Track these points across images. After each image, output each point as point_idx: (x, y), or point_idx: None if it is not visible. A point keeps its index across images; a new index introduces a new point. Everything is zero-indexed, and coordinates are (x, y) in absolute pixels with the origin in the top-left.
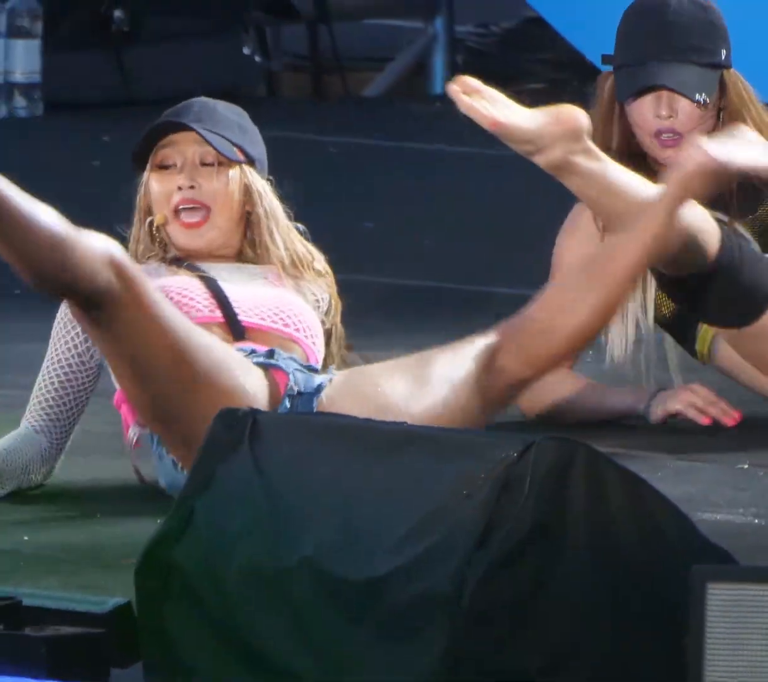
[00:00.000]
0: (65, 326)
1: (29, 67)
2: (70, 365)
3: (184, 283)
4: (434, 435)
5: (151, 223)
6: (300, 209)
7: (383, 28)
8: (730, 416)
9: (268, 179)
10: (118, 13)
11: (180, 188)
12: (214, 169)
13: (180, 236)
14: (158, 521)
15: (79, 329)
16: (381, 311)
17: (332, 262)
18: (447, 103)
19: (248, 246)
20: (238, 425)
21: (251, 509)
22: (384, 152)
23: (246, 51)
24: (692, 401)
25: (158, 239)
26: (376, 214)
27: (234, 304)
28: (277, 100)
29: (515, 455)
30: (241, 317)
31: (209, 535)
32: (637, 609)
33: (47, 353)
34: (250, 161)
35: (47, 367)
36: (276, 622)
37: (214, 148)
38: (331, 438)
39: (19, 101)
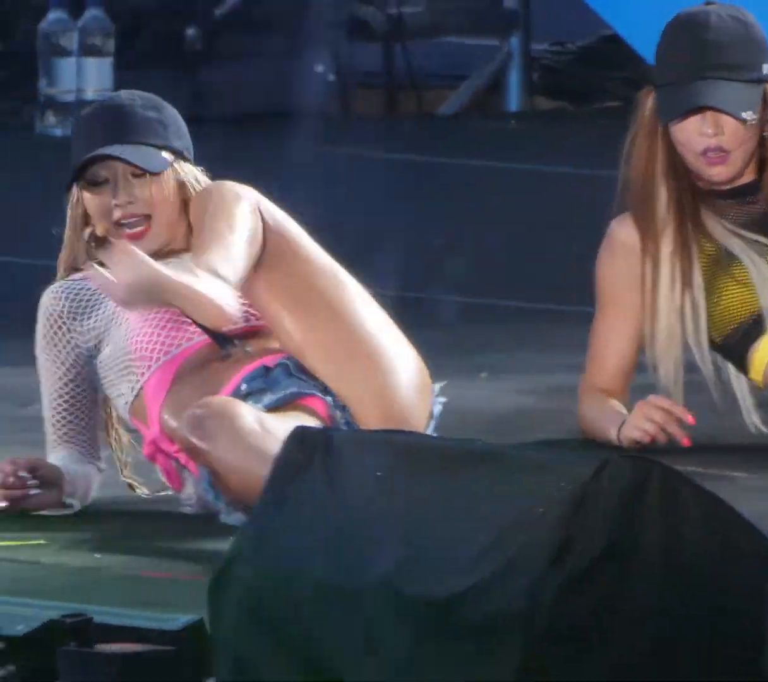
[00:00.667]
0: (46, 359)
1: (101, 84)
2: (68, 393)
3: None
4: (508, 453)
5: (91, 234)
6: (376, 226)
7: (458, 46)
8: (682, 435)
9: (196, 166)
10: (190, 32)
11: (117, 205)
12: (147, 179)
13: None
14: (230, 538)
15: (57, 356)
16: (446, 328)
17: (400, 278)
18: (522, 120)
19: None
20: (311, 443)
21: (324, 528)
22: (458, 170)
23: (319, 69)
24: (644, 427)
25: (97, 247)
26: (449, 232)
27: None
28: (351, 119)
29: (590, 472)
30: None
31: (282, 553)
32: (711, 628)
33: (42, 388)
34: (179, 154)
35: (50, 404)
36: (348, 640)
37: (142, 170)
38: (404, 456)
39: None
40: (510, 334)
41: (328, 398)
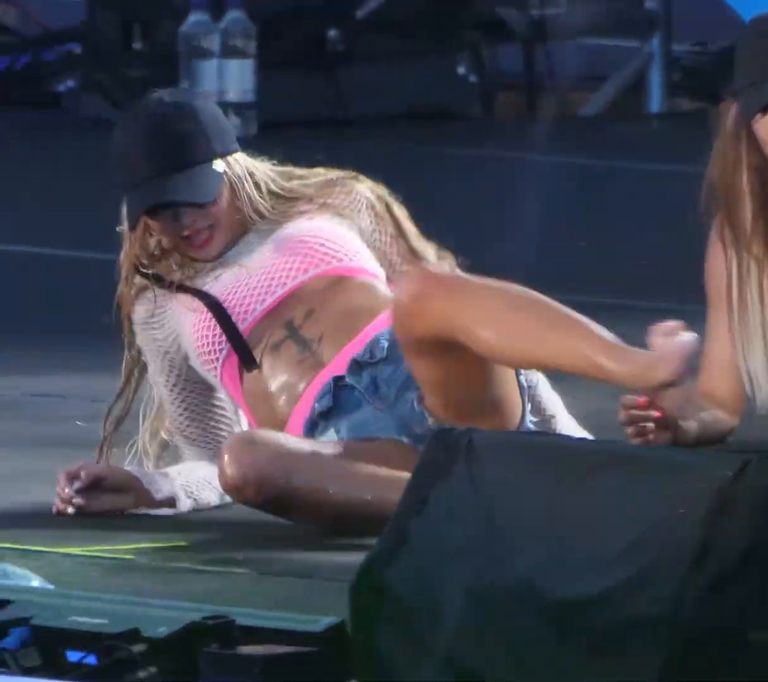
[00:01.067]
0: (151, 368)
1: (243, 86)
2: (177, 398)
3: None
4: (649, 454)
5: (157, 245)
6: (514, 229)
7: (599, 47)
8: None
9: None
10: (332, 33)
11: (184, 229)
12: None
13: (193, 252)
14: (373, 541)
15: (154, 363)
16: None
17: (545, 281)
18: (663, 121)
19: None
20: (455, 444)
21: (466, 529)
22: (599, 171)
23: (461, 71)
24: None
25: (160, 254)
26: (591, 234)
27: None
28: (492, 120)
29: (731, 474)
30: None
31: (424, 555)
32: None
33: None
34: (226, 154)
35: (169, 412)
36: (489, 642)
37: (198, 206)
38: (546, 457)
39: (233, 120)
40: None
41: (404, 439)
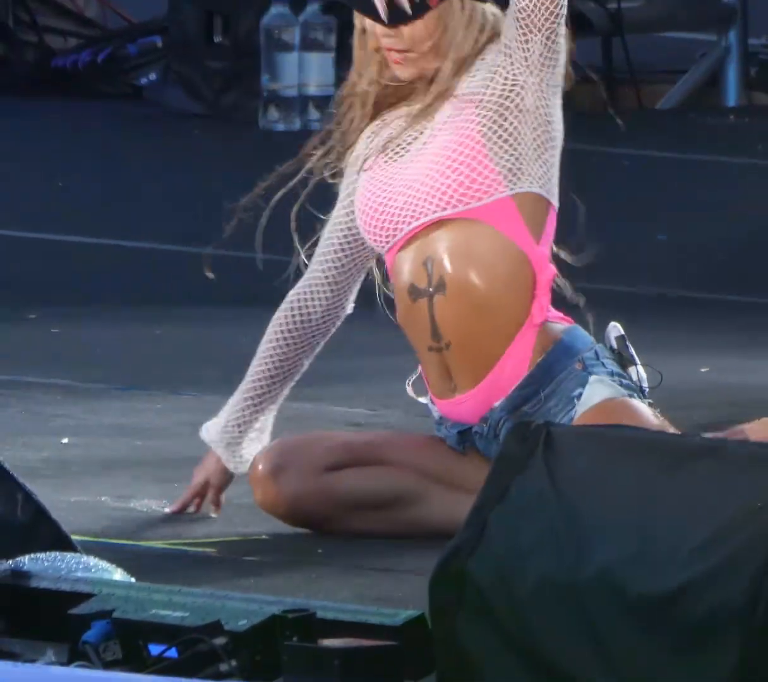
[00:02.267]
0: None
1: (323, 79)
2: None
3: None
4: (726, 447)
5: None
6: (593, 221)
7: (676, 41)
8: None
9: None
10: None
11: (385, 36)
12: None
13: (392, 67)
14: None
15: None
16: (671, 323)
17: (622, 274)
18: (740, 115)
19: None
20: (532, 437)
21: (546, 522)
22: (677, 164)
23: None
24: None
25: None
26: (669, 227)
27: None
28: (571, 113)
29: None
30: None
31: (503, 547)
32: None
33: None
34: None
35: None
36: (570, 634)
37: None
38: (623, 450)
39: (313, 114)
40: (734, 329)
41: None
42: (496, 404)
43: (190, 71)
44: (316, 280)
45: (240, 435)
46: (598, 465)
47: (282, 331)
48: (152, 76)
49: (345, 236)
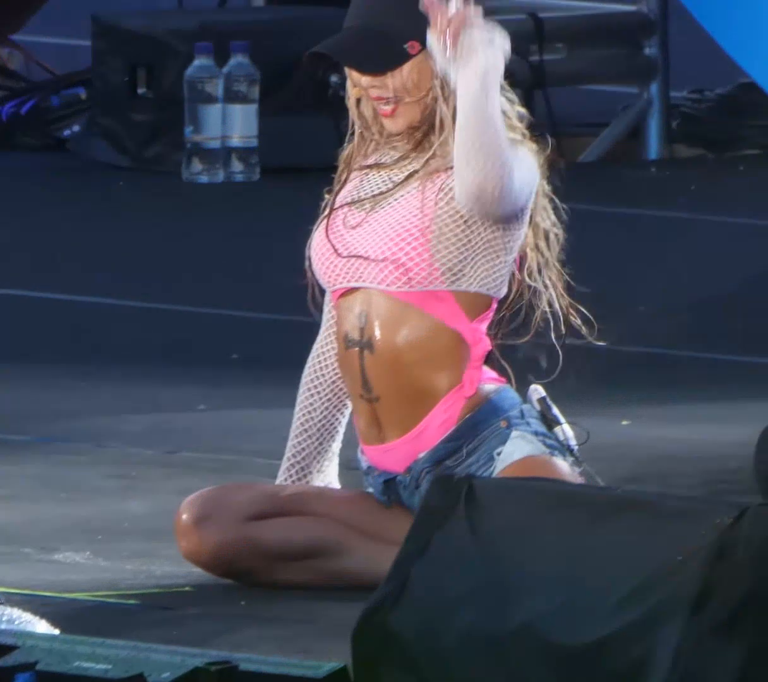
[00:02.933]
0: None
1: (246, 131)
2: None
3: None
4: (649, 500)
5: (358, 101)
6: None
7: (599, 94)
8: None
9: None
10: (334, 78)
11: (371, 86)
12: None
13: (383, 122)
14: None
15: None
16: (594, 376)
17: (547, 326)
18: (662, 168)
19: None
20: (454, 490)
21: (468, 575)
22: (599, 217)
23: None
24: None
25: (370, 118)
26: (590, 279)
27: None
28: None
29: (730, 520)
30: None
31: (426, 601)
32: None
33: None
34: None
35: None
36: None
37: (370, 74)
38: (546, 503)
39: (237, 166)
40: (658, 381)
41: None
42: (421, 455)
43: (114, 123)
44: (329, 331)
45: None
46: (520, 518)
47: (306, 385)
48: (76, 128)
49: None
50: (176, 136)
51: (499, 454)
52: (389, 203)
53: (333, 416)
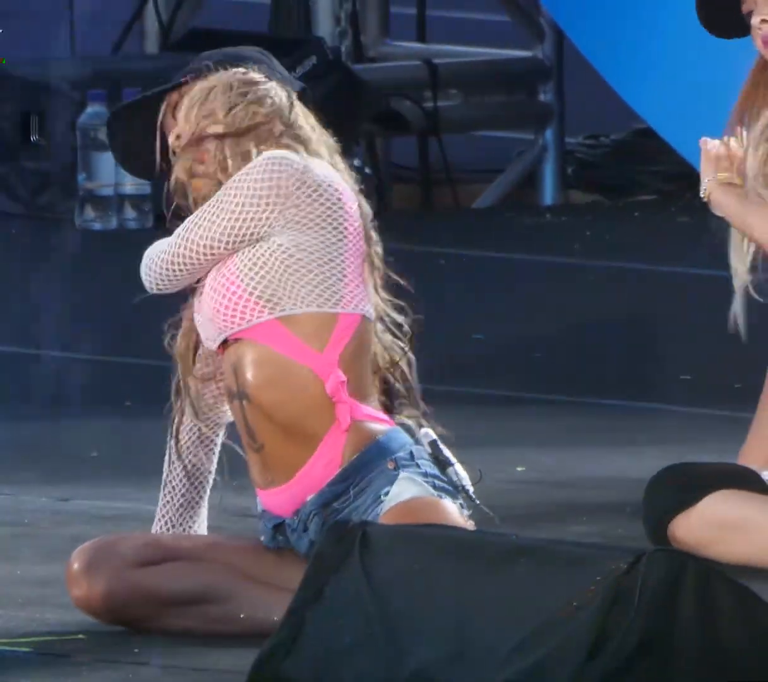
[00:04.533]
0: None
1: (140, 179)
2: None
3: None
4: (544, 547)
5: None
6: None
7: (494, 140)
8: None
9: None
10: None
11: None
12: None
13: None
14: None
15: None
16: (488, 422)
17: (443, 373)
18: (557, 214)
19: None
20: (348, 537)
21: (362, 622)
22: (494, 264)
23: (356, 163)
24: None
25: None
26: (486, 326)
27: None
28: (387, 212)
29: (625, 566)
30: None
31: (319, 648)
32: None
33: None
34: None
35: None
36: None
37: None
38: (442, 550)
39: (130, 213)
40: (550, 428)
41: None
42: (309, 498)
43: (6, 170)
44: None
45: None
46: (414, 566)
47: (166, 462)
48: None
49: None
50: (69, 183)
51: (386, 495)
52: None
53: (195, 492)
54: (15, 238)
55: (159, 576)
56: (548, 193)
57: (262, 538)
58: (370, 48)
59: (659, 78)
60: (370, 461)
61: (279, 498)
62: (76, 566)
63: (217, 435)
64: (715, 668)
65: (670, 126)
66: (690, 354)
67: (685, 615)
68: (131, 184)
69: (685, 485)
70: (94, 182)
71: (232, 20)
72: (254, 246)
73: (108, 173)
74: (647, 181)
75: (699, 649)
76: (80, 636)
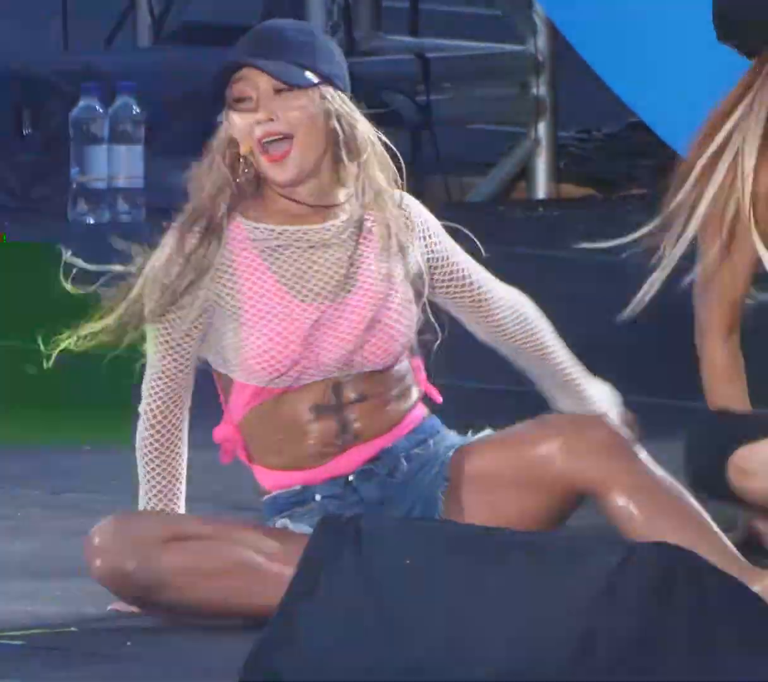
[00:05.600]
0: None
1: (132, 172)
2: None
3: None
4: (537, 542)
5: (235, 155)
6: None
7: (486, 134)
8: None
9: (350, 97)
10: (220, 120)
11: (259, 122)
12: (291, 95)
13: (268, 170)
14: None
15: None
16: (477, 415)
17: (438, 368)
18: (549, 208)
19: (331, 169)
20: (343, 530)
21: (356, 616)
22: (486, 258)
23: None
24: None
25: (242, 171)
26: None
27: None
28: None
29: (617, 561)
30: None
31: (313, 642)
32: None
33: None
34: (327, 81)
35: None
36: None
37: (282, 81)
38: (436, 544)
39: (123, 206)
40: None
41: None
42: (391, 444)
43: None
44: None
45: None
46: (408, 559)
47: (149, 464)
48: None
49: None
50: (62, 176)
51: (453, 447)
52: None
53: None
54: (8, 231)
55: (188, 550)
56: (541, 188)
57: (291, 525)
58: (362, 42)
59: (651, 72)
60: (439, 425)
61: (350, 455)
62: (97, 540)
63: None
64: (707, 665)
65: (662, 120)
66: (680, 347)
67: (675, 611)
68: (124, 178)
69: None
70: (86, 176)
71: (224, 13)
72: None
73: (101, 166)
74: (640, 175)
75: (690, 645)
76: (73, 629)
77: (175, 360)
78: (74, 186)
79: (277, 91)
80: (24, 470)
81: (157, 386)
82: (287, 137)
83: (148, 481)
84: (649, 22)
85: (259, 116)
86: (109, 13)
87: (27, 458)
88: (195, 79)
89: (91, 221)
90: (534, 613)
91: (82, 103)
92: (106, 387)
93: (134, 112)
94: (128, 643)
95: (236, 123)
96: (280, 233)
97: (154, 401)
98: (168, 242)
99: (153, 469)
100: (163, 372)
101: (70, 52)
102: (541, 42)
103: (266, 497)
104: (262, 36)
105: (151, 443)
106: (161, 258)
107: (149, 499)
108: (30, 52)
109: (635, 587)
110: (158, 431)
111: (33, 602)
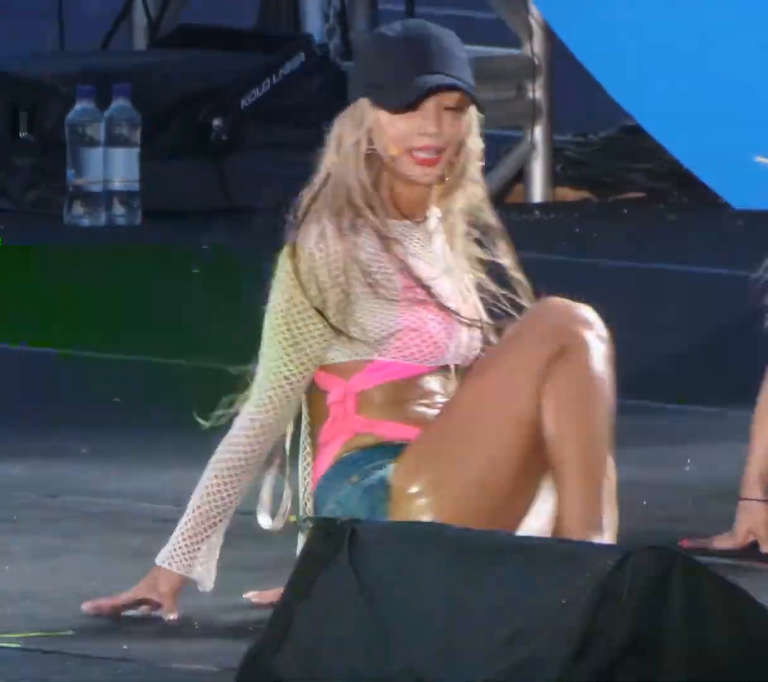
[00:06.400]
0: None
1: (128, 175)
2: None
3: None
4: (533, 544)
5: (370, 152)
6: None
7: (483, 137)
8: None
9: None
10: (216, 122)
11: (427, 134)
12: (459, 114)
13: (412, 170)
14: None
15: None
16: None
17: None
18: (546, 211)
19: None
20: (337, 533)
21: (351, 618)
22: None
23: None
24: (737, 539)
25: (372, 166)
26: None
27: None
28: None
29: (613, 564)
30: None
31: (309, 644)
32: None
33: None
34: (477, 104)
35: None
36: None
37: (473, 101)
38: (431, 547)
39: (118, 209)
40: None
41: None
42: None
43: None
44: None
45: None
46: (405, 562)
47: (222, 472)
48: None
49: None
50: (58, 179)
51: None
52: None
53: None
54: (4, 234)
55: None
56: (537, 191)
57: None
58: (358, 45)
59: (648, 75)
60: None
61: None
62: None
63: None
64: (704, 667)
65: (658, 123)
66: (678, 350)
67: (672, 614)
68: (120, 181)
69: None
70: (82, 179)
71: (220, 16)
72: None
73: (97, 170)
74: (636, 178)
75: (687, 647)
76: (69, 632)
77: (302, 364)
78: (70, 189)
79: (446, 108)
80: (21, 474)
81: (276, 394)
82: (439, 150)
83: (209, 494)
84: (645, 26)
85: (430, 129)
86: (105, 16)
87: (25, 461)
88: (190, 81)
89: (87, 224)
90: (530, 616)
91: (78, 105)
92: None
93: (130, 115)
94: (124, 646)
95: (399, 127)
96: (405, 227)
97: (268, 410)
98: (326, 243)
99: (224, 483)
100: (285, 378)
101: (67, 54)
102: (537, 45)
103: (355, 451)
104: (436, 49)
105: (242, 456)
106: (330, 264)
107: (196, 516)
108: (26, 55)
109: (631, 589)
110: (254, 446)
111: (29, 605)
